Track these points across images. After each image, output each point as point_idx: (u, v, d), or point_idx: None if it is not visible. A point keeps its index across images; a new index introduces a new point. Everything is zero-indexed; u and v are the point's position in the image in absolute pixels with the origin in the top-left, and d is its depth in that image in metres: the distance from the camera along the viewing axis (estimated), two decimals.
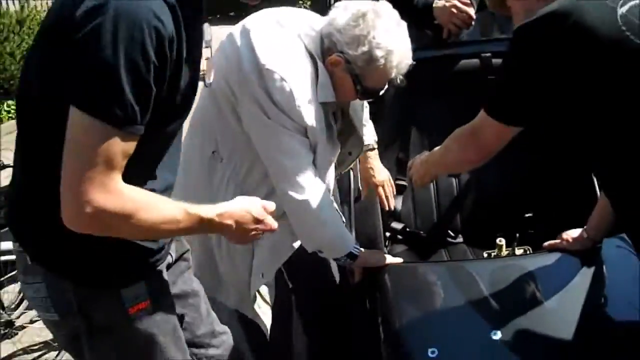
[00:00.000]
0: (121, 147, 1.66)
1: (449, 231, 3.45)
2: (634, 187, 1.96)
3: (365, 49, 2.43)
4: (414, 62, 2.89)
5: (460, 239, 3.39)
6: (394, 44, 2.46)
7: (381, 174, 3.16)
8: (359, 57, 2.45)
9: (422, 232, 3.45)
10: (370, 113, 3.14)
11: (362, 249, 2.72)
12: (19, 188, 1.92)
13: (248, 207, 2.05)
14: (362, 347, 2.63)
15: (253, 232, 2.07)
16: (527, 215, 3.25)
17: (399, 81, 2.59)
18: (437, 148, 2.57)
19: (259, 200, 2.11)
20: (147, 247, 1.99)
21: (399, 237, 3.39)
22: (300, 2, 16.93)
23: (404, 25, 2.55)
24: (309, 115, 2.46)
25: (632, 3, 1.94)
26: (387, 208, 3.06)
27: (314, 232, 2.61)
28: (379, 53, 2.44)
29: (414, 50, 2.61)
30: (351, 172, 3.29)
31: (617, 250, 2.58)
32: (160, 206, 1.81)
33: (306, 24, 2.57)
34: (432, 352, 2.24)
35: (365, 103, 3.02)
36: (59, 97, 1.66)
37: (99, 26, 1.58)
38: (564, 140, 2.80)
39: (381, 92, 2.62)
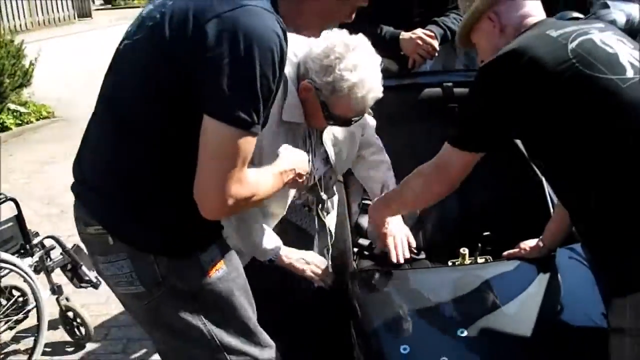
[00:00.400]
0: (250, 146, 1.99)
1: (413, 248, 3.66)
2: (590, 203, 2.15)
3: (329, 79, 2.59)
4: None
5: (423, 256, 3.61)
6: (359, 78, 2.59)
7: (396, 227, 3.13)
8: (324, 86, 2.61)
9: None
10: None
11: (285, 255, 2.86)
12: (109, 178, 2.12)
13: (294, 164, 2.43)
14: (335, 348, 2.84)
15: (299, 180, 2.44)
16: (485, 233, 3.48)
17: (369, 113, 2.79)
18: (394, 189, 2.80)
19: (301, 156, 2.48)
20: (206, 220, 2.15)
21: (366, 253, 3.58)
22: None
23: (376, 60, 2.71)
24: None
25: (580, 39, 2.18)
26: (394, 260, 3.02)
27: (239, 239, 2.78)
28: (342, 84, 2.59)
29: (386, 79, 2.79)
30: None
31: (569, 257, 2.83)
32: (264, 178, 2.20)
33: (290, 49, 2.76)
34: (404, 349, 2.43)
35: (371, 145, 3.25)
36: (179, 98, 1.93)
37: (236, 48, 1.85)
38: (522, 161, 3.07)
39: (354, 121, 2.77)
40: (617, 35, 2.29)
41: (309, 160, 2.74)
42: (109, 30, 22.50)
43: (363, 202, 3.70)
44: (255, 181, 2.10)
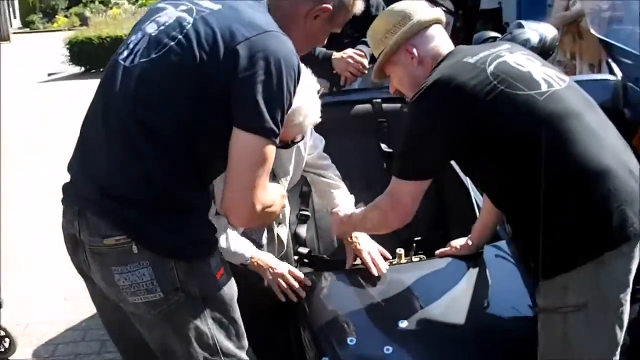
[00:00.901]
0: (274, 154, 2.22)
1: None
2: (520, 206, 2.44)
3: None
4: None
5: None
6: (297, 105, 2.71)
7: (366, 242, 3.23)
8: None
9: (325, 256, 3.86)
10: None
11: (256, 258, 3.02)
12: (134, 188, 2.22)
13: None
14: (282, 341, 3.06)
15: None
16: (416, 238, 3.72)
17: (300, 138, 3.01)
18: (358, 212, 2.99)
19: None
20: (213, 224, 2.39)
21: (306, 260, 3.78)
22: None
23: (314, 88, 2.93)
24: None
25: (496, 62, 2.45)
26: (376, 274, 3.08)
27: None
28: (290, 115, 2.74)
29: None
30: None
31: (495, 253, 3.12)
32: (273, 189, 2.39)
33: None
34: (351, 341, 2.66)
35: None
36: (211, 116, 2.17)
37: (268, 68, 2.12)
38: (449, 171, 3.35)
39: (293, 143, 2.95)
40: (525, 54, 2.59)
41: None
42: (28, 55, 22.36)
43: (300, 212, 3.94)
44: (272, 190, 2.35)
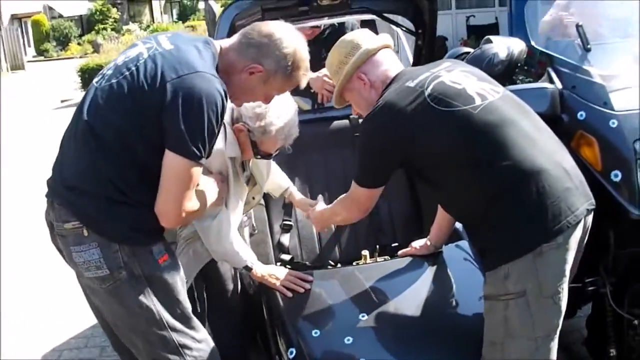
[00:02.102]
0: (198, 172, 2.67)
1: (329, 260, 4.15)
2: (464, 209, 2.73)
3: (262, 123, 3.18)
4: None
5: (339, 266, 4.08)
6: (283, 122, 3.22)
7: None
8: (257, 129, 3.20)
9: (307, 262, 4.11)
10: None
11: (257, 264, 3.36)
12: (89, 184, 2.67)
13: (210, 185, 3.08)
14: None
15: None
16: (394, 245, 3.97)
17: (287, 149, 3.35)
18: (328, 207, 3.34)
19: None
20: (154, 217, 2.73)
21: (288, 266, 4.02)
22: None
23: (295, 107, 3.34)
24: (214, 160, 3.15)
25: (433, 83, 2.71)
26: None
27: (214, 248, 3.31)
28: (272, 128, 3.19)
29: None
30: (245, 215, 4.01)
31: (453, 252, 3.39)
32: (199, 200, 2.80)
33: None
34: (315, 333, 2.93)
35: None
36: (145, 130, 2.60)
37: (191, 102, 2.55)
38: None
39: (273, 154, 3.35)
40: (464, 70, 2.85)
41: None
42: (42, 82, 22.74)
43: (284, 222, 4.21)
44: (196, 199, 2.76)
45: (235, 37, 2.83)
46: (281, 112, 3.22)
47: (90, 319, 4.76)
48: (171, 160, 2.60)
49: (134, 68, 2.68)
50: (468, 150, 2.60)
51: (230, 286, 3.63)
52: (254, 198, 3.66)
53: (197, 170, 2.65)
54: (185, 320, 2.87)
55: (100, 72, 2.85)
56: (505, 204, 2.53)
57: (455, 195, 2.72)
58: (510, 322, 2.55)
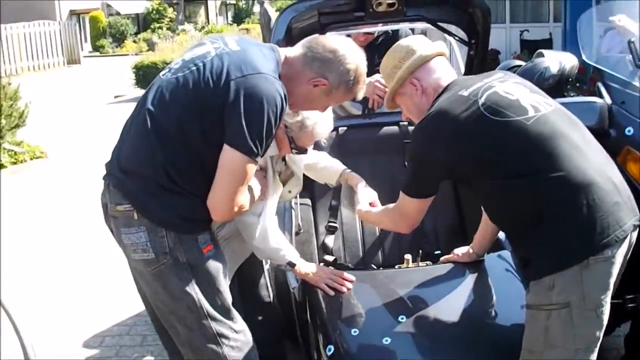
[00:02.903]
0: (253, 169, 2.81)
1: (372, 264, 4.20)
2: (512, 219, 2.70)
3: (299, 118, 3.25)
4: (347, 127, 3.76)
5: (381, 270, 4.13)
6: (319, 116, 3.27)
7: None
8: (294, 124, 3.27)
9: (350, 265, 4.18)
10: None
11: (300, 261, 3.41)
12: (145, 169, 2.81)
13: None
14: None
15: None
16: (436, 252, 4.01)
17: (322, 143, 3.42)
18: (374, 213, 3.35)
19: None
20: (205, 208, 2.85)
21: (331, 268, 4.09)
22: None
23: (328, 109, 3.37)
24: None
25: (487, 93, 2.72)
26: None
27: (258, 246, 3.36)
28: (308, 122, 3.27)
29: (348, 118, 3.44)
30: (292, 211, 4.08)
31: (495, 261, 3.41)
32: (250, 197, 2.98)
33: None
34: (355, 332, 2.99)
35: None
36: (205, 124, 2.74)
37: (253, 101, 2.68)
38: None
39: (309, 149, 3.44)
40: (517, 82, 2.86)
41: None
42: (97, 77, 23.10)
43: (329, 224, 4.26)
44: (246, 193, 2.90)
45: (299, 49, 2.95)
46: None
47: (133, 308, 4.93)
48: (229, 156, 2.72)
49: (200, 64, 2.81)
50: (520, 161, 2.61)
51: (264, 281, 3.72)
52: (290, 192, 3.74)
53: (252, 167, 2.77)
54: (224, 311, 2.96)
55: (168, 66, 3.00)
56: (555, 216, 2.54)
57: (503, 205, 2.72)
58: (551, 332, 2.56)
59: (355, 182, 3.75)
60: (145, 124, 2.82)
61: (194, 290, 2.85)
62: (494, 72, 3.00)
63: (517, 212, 2.65)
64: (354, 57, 2.93)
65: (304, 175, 3.73)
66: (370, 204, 3.52)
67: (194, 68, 2.81)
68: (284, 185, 3.61)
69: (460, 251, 3.47)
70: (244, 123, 2.66)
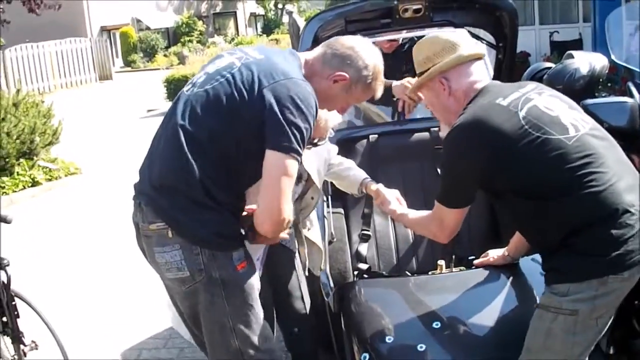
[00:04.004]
0: (296, 170, 2.77)
1: (406, 272, 4.19)
2: (540, 232, 2.72)
3: None
4: (378, 135, 3.76)
5: (415, 276, 4.12)
6: (325, 115, 3.31)
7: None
8: None
9: (384, 272, 4.19)
10: None
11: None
12: (177, 186, 2.79)
13: None
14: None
15: None
16: (470, 258, 3.99)
17: (330, 134, 3.50)
18: (411, 216, 3.30)
19: None
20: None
21: (365, 276, 4.10)
22: None
23: None
24: None
25: (527, 106, 2.70)
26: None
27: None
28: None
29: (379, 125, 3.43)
30: (325, 220, 4.08)
31: (530, 265, 3.34)
32: None
33: None
34: (389, 339, 2.99)
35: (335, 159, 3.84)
36: (242, 134, 2.75)
37: (292, 105, 2.70)
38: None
39: (318, 143, 3.47)
40: (553, 95, 2.82)
41: None
42: (129, 93, 23.31)
43: (362, 232, 4.26)
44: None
45: (318, 49, 2.99)
46: None
47: (169, 321, 4.94)
48: (275, 159, 2.71)
49: (229, 75, 2.82)
50: (558, 180, 2.59)
51: (298, 292, 3.72)
52: (312, 198, 3.74)
53: (296, 167, 2.76)
54: (253, 328, 2.93)
55: (190, 81, 2.99)
56: (586, 236, 2.54)
57: (533, 222, 2.72)
58: (552, 335, 2.60)
59: (374, 188, 3.70)
60: (177, 139, 2.80)
61: (224, 306, 2.84)
62: (527, 83, 2.94)
63: (547, 231, 2.66)
64: (372, 53, 2.97)
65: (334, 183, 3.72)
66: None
67: (223, 80, 2.82)
68: (305, 194, 3.66)
69: (495, 254, 3.44)
70: (285, 126, 2.68)
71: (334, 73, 2.90)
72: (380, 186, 3.64)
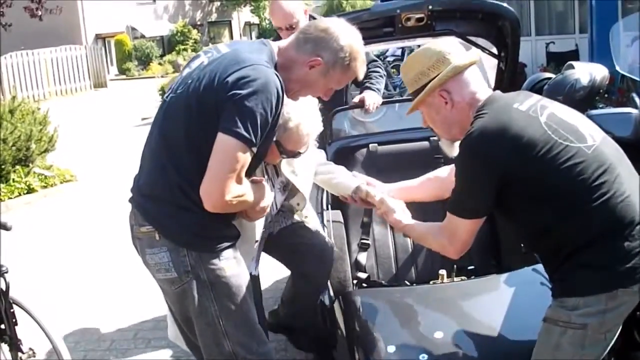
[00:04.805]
0: (247, 157, 2.72)
1: (406, 281, 4.18)
2: (550, 243, 2.64)
3: (281, 121, 3.08)
4: (377, 144, 3.75)
5: (417, 286, 4.11)
6: (302, 116, 3.23)
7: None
8: (277, 128, 3.07)
9: (383, 282, 4.18)
10: None
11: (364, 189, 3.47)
12: (161, 190, 2.85)
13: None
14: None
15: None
16: (470, 267, 3.99)
17: (315, 144, 3.46)
18: (417, 227, 3.09)
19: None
20: (230, 225, 2.93)
21: (364, 285, 4.09)
22: None
23: (313, 102, 3.33)
24: None
25: (546, 112, 2.64)
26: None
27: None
28: (291, 124, 3.21)
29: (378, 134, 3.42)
30: (325, 229, 4.06)
31: (531, 275, 3.35)
32: (251, 189, 2.88)
33: None
34: (391, 349, 2.96)
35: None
36: (210, 130, 2.70)
37: (247, 90, 2.66)
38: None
39: (300, 153, 3.35)
40: (562, 105, 2.77)
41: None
42: (123, 100, 23.30)
43: (362, 241, 4.26)
44: (247, 186, 2.85)
45: (292, 36, 2.96)
46: (299, 107, 3.23)
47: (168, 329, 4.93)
48: (220, 141, 2.69)
49: (196, 76, 2.84)
50: (577, 189, 2.54)
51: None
52: (298, 204, 3.74)
53: (244, 155, 2.70)
54: (245, 329, 2.95)
55: (169, 87, 3.03)
56: (596, 247, 2.52)
57: (544, 233, 2.63)
58: (561, 349, 2.57)
59: (377, 197, 3.49)
60: (157, 146, 2.89)
61: (213, 307, 2.87)
62: (531, 94, 2.85)
63: (559, 240, 2.60)
64: (347, 34, 2.88)
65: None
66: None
67: (190, 82, 2.84)
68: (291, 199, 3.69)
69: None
70: (235, 110, 2.66)
71: (309, 59, 2.85)
72: (385, 195, 3.50)
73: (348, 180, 3.66)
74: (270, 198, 3.11)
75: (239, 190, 2.76)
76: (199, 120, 2.76)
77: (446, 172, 3.32)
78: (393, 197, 3.34)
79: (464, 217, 2.68)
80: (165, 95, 3.00)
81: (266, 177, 3.38)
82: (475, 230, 2.73)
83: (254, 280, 3.46)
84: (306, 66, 2.85)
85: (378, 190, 3.47)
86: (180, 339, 3.34)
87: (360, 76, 2.97)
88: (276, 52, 2.89)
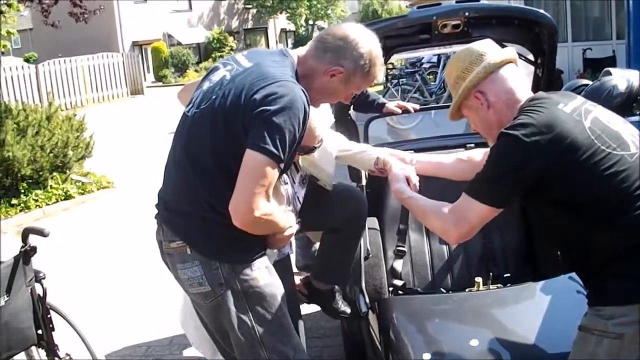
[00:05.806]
0: (275, 173, 2.72)
1: (441, 289, 4.16)
2: (584, 251, 2.59)
3: None
4: (413, 151, 3.75)
5: (454, 293, 4.09)
6: (316, 123, 3.28)
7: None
8: None
9: (419, 289, 4.17)
10: None
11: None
12: (189, 205, 2.86)
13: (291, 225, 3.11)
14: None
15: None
16: (506, 275, 3.97)
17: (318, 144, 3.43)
18: (420, 201, 2.94)
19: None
20: (260, 236, 2.90)
21: (400, 292, 4.08)
22: None
23: (320, 111, 3.33)
24: None
25: (590, 116, 2.57)
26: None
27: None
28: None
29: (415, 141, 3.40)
30: (361, 237, 4.06)
31: (567, 283, 3.27)
32: (280, 213, 2.93)
33: None
34: (426, 356, 2.95)
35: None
36: (237, 147, 2.71)
37: (274, 107, 2.67)
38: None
39: (315, 147, 3.41)
40: (605, 110, 2.69)
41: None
42: (160, 107, 23.46)
43: (397, 248, 4.26)
44: (276, 206, 2.89)
45: (310, 44, 2.98)
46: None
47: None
48: (249, 157, 2.70)
49: (219, 92, 2.84)
50: (617, 198, 2.47)
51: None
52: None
53: (273, 171, 2.71)
54: (281, 338, 2.94)
55: (190, 100, 3.01)
56: (633, 257, 2.47)
57: (580, 240, 2.58)
58: (597, 359, 2.50)
59: (387, 160, 3.51)
60: (182, 162, 2.90)
61: (248, 317, 2.87)
62: (573, 95, 2.77)
63: (595, 247, 2.55)
64: (366, 41, 2.92)
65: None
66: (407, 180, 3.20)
67: (214, 97, 2.84)
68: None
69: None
70: (264, 127, 2.67)
71: (329, 68, 2.89)
72: (393, 159, 3.47)
73: (371, 152, 3.67)
74: (295, 228, 3.11)
75: (268, 209, 2.77)
76: (226, 137, 2.77)
77: (480, 156, 3.27)
78: (418, 168, 3.32)
79: (481, 200, 2.55)
80: (186, 108, 3.00)
81: (285, 176, 3.37)
82: (486, 218, 2.60)
83: (286, 260, 3.55)
84: (327, 75, 2.90)
85: (396, 160, 3.45)
86: (188, 326, 3.51)
87: (381, 79, 3.04)
88: (296, 62, 2.93)
